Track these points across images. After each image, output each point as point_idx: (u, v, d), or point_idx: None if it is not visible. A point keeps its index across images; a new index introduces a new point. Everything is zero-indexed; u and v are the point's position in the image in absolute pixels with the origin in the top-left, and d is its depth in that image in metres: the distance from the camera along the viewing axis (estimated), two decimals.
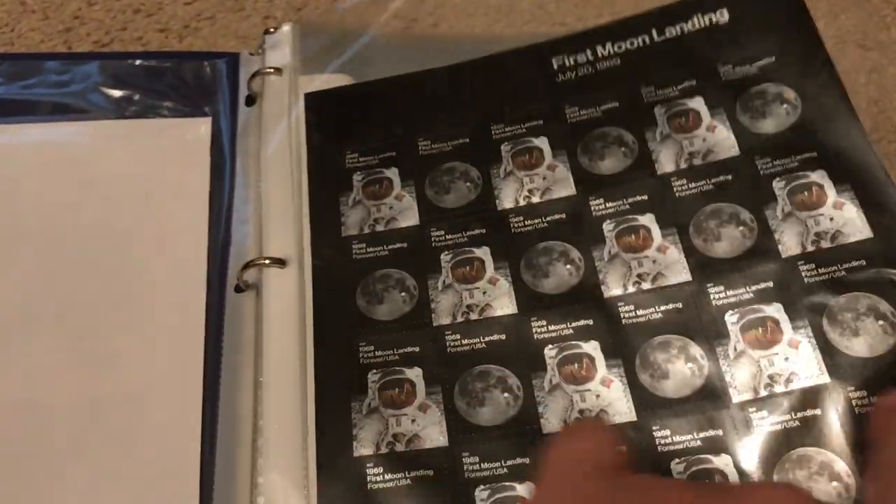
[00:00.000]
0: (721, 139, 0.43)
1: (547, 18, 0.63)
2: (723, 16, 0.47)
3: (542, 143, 0.46)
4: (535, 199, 0.44)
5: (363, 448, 0.37)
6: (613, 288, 0.40)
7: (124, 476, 0.38)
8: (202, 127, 0.51)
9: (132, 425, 0.40)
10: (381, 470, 0.37)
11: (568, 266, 0.41)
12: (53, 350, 0.42)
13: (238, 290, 0.44)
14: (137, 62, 0.55)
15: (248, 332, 0.42)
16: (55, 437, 0.39)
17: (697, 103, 0.45)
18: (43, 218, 0.47)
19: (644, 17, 0.48)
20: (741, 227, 0.41)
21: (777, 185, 0.41)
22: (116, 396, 0.40)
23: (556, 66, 0.48)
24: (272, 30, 0.56)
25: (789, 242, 0.40)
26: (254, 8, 0.62)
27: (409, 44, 0.58)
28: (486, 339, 0.40)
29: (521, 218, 0.43)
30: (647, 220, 0.42)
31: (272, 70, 0.53)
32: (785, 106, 0.44)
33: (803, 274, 0.39)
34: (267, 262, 0.44)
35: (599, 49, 0.48)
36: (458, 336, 0.40)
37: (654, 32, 0.47)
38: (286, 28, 0.56)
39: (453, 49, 0.57)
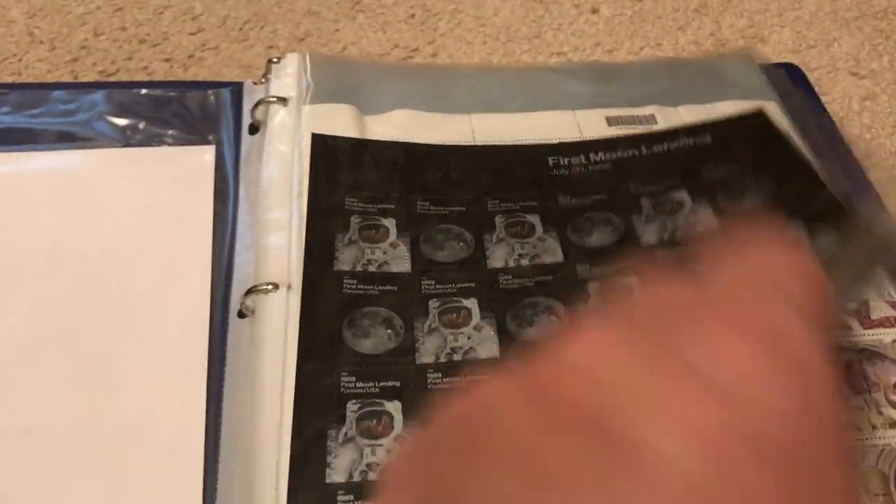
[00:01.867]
0: (704, 219, 0.48)
1: (544, 48, 0.64)
2: (707, 138, 0.53)
3: (534, 219, 0.49)
4: (525, 262, 0.46)
5: (336, 476, 0.37)
6: None
7: (128, 500, 0.38)
8: (206, 155, 0.52)
9: (136, 449, 0.40)
10: (351, 498, 0.37)
11: (553, 317, 0.44)
12: (59, 375, 0.42)
13: (241, 315, 0.44)
14: (143, 91, 0.55)
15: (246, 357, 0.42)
16: (60, 461, 0.39)
17: (682, 195, 0.50)
18: (49, 244, 0.47)
19: (636, 137, 0.53)
20: None
21: None
22: (121, 421, 0.40)
23: (551, 164, 0.52)
24: (276, 59, 0.57)
25: None
26: (257, 38, 0.63)
27: (411, 73, 0.59)
28: (468, 379, 0.41)
29: (510, 276, 0.46)
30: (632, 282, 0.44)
31: (276, 99, 0.54)
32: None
33: None
34: (270, 287, 0.44)
35: (592, 156, 0.52)
36: (440, 374, 0.41)
37: (643, 147, 0.53)
38: (290, 58, 0.57)
39: (452, 78, 0.58)
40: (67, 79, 0.59)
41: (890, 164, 0.57)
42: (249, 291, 0.44)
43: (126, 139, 0.53)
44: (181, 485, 0.38)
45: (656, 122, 0.55)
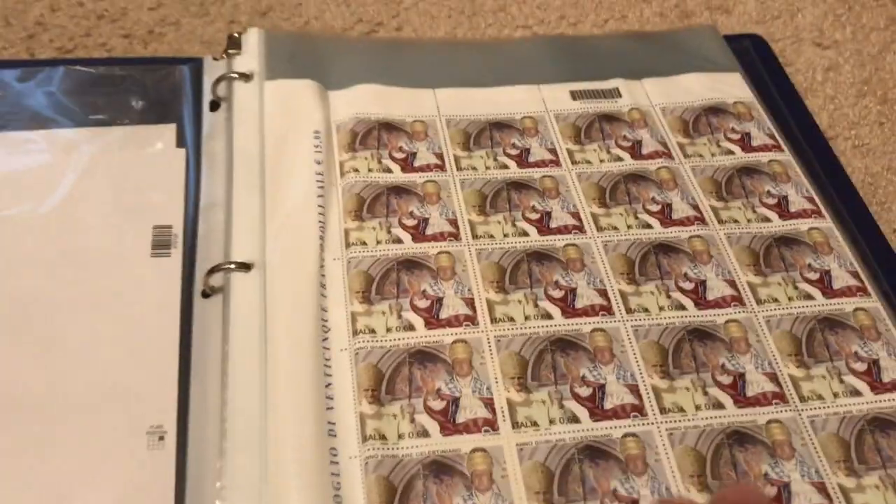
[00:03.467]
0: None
1: (509, 21, 0.64)
2: None
3: None
4: None
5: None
6: None
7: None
8: (166, 133, 0.51)
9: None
10: None
11: None
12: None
13: (205, 295, 0.44)
14: (101, 69, 0.54)
15: (216, 338, 0.42)
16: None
17: None
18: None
19: None
20: None
21: None
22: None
23: None
24: (237, 35, 0.56)
25: None
26: (219, 13, 0.62)
27: (375, 48, 0.58)
28: None
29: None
30: None
31: (238, 75, 0.53)
32: None
33: None
34: (233, 266, 0.44)
35: None
36: None
37: None
38: (252, 33, 0.56)
39: (417, 53, 0.57)
40: (23, 56, 0.58)
41: (852, 133, 0.57)
42: (214, 270, 0.44)
43: (84, 119, 0.51)
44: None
45: (620, 96, 0.55)
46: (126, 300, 0.44)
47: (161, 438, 0.39)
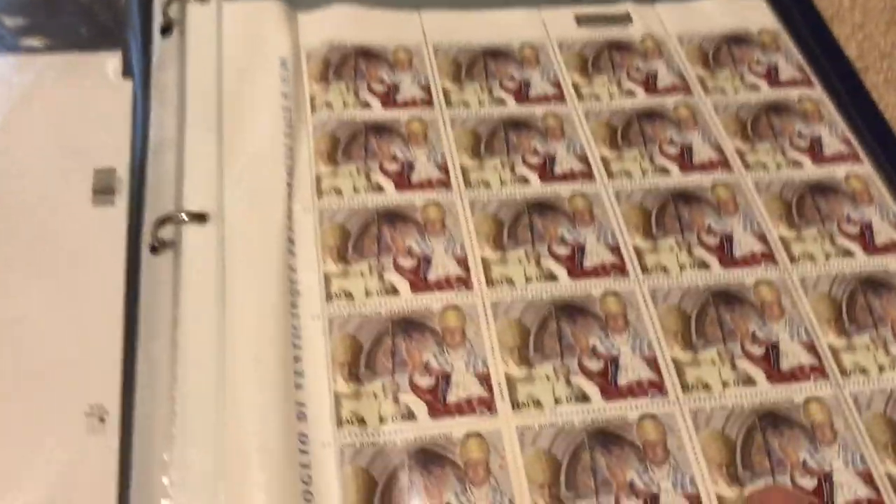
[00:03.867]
0: None
1: None
2: None
3: None
4: None
5: None
6: None
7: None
8: (111, 62, 0.48)
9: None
10: None
11: None
12: None
13: (153, 250, 0.40)
14: None
15: (165, 301, 0.38)
16: None
17: None
18: None
19: None
20: None
21: None
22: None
23: None
24: None
25: None
26: None
27: None
28: None
29: None
30: None
31: None
32: None
33: None
34: (185, 217, 0.39)
35: None
36: None
37: None
38: None
39: None
40: None
41: (884, 65, 0.53)
42: (164, 221, 0.40)
43: (17, 44, 0.48)
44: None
45: (631, 22, 0.51)
46: (62, 255, 0.41)
47: (101, 420, 0.36)
